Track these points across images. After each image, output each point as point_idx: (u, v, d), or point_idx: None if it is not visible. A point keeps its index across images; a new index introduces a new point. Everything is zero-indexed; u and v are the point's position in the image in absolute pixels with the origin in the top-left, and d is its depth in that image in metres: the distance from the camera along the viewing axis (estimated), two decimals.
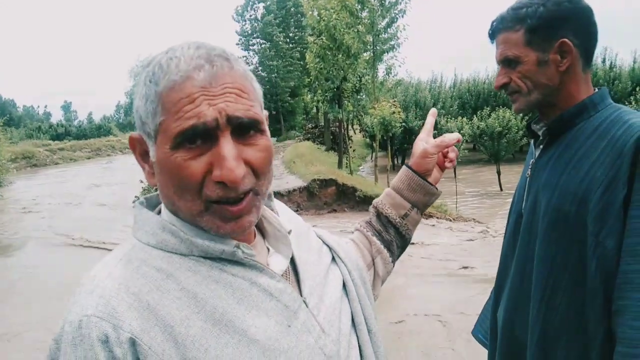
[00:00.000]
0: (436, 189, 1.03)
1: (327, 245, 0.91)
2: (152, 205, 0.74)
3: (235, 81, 0.62)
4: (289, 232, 0.77)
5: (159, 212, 0.72)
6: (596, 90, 1.23)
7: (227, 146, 0.60)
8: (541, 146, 1.29)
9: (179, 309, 0.61)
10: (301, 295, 0.74)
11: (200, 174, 0.61)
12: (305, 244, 0.85)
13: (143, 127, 0.64)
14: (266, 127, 0.68)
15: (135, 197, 9.75)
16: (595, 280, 1.09)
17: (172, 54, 0.63)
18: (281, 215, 0.84)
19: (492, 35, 1.28)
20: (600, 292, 1.09)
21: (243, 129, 0.62)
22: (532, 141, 1.37)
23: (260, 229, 0.79)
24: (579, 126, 1.19)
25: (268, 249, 0.77)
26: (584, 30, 1.18)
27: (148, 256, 0.65)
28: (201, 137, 0.60)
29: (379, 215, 1.04)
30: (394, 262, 1.03)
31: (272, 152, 0.68)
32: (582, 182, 1.12)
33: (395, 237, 1.02)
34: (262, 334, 0.64)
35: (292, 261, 0.78)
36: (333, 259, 0.89)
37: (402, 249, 1.05)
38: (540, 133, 1.29)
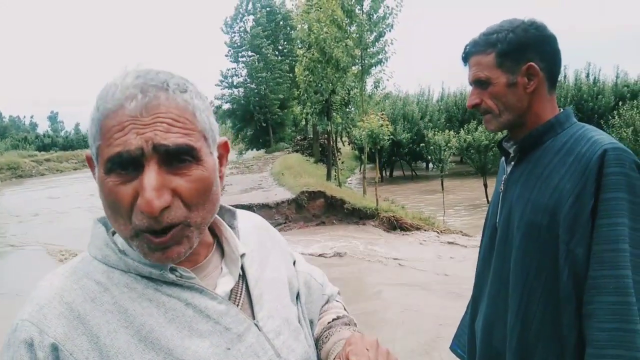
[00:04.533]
0: None
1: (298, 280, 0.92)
2: None
3: (168, 111, 0.62)
4: (242, 255, 0.78)
5: None
6: (561, 110, 1.31)
7: (149, 175, 0.60)
8: (512, 163, 1.36)
9: (109, 322, 0.64)
10: (254, 318, 0.74)
11: (128, 201, 0.62)
12: (275, 265, 0.86)
13: (91, 147, 0.67)
14: (206, 158, 0.66)
15: None
16: (567, 287, 1.15)
17: (115, 80, 0.64)
18: (244, 235, 0.84)
19: (465, 58, 1.36)
20: (573, 298, 1.15)
21: (173, 158, 0.62)
22: (502, 158, 1.44)
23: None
24: (547, 143, 1.27)
25: (222, 269, 0.77)
26: (549, 55, 1.26)
27: (92, 269, 0.69)
28: (131, 164, 0.61)
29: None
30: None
31: (208, 182, 0.66)
32: (553, 195, 1.18)
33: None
34: (192, 355, 0.65)
35: (247, 283, 0.78)
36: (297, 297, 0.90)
37: None
38: (511, 150, 1.36)
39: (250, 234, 0.86)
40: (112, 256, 0.69)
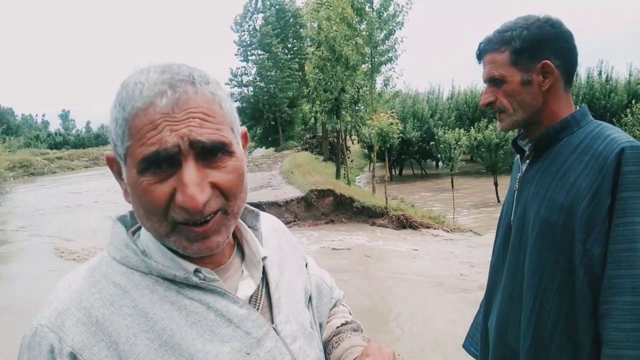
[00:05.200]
0: None
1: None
2: (136, 220, 0.74)
3: (199, 105, 0.62)
4: (264, 258, 0.77)
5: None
6: (577, 108, 1.30)
7: (189, 172, 0.61)
8: (527, 161, 1.35)
9: (128, 327, 0.63)
10: (272, 322, 0.74)
11: (165, 198, 0.61)
12: (291, 269, 0.85)
13: (115, 148, 0.65)
14: (236, 149, 0.67)
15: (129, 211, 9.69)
16: (583, 286, 1.15)
17: (138, 77, 0.62)
18: (265, 237, 0.83)
19: (480, 55, 1.35)
20: (589, 297, 1.14)
21: (208, 153, 0.63)
22: (517, 156, 1.43)
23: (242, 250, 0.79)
24: (563, 141, 1.26)
25: (243, 272, 0.77)
26: (565, 52, 1.25)
27: (110, 271, 0.67)
28: (166, 161, 0.61)
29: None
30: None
31: (242, 172, 0.67)
32: (569, 194, 1.17)
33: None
34: (212, 359, 0.65)
35: (268, 287, 0.77)
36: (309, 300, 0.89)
37: None
38: (526, 148, 1.36)
39: (269, 236, 0.86)
40: (133, 257, 0.68)
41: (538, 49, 1.23)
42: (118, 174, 0.69)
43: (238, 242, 0.80)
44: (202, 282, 0.68)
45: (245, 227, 0.80)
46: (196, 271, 0.68)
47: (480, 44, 1.34)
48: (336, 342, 0.88)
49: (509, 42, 1.26)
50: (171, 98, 0.60)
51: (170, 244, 0.65)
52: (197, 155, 0.62)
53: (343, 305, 1.04)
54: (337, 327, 0.93)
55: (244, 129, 0.74)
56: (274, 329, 0.73)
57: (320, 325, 0.93)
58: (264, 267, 0.78)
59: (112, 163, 0.69)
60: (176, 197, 0.61)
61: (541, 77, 1.25)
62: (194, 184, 0.60)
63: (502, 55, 1.27)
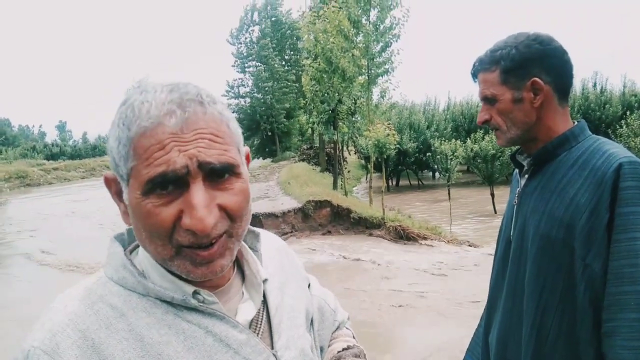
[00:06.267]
0: None
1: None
2: (134, 238, 0.72)
3: (208, 126, 0.61)
4: (265, 281, 0.75)
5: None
6: (575, 123, 1.31)
7: (198, 194, 0.59)
8: (526, 175, 1.36)
9: (124, 351, 0.61)
10: (272, 348, 0.72)
11: (170, 221, 0.60)
12: (293, 291, 0.83)
13: (117, 168, 0.63)
14: (243, 169, 0.66)
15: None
16: (584, 302, 1.14)
17: (145, 97, 0.60)
18: (266, 258, 0.81)
19: (474, 75, 1.38)
20: (589, 313, 1.14)
21: (216, 174, 0.61)
22: (516, 171, 1.44)
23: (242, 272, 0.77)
24: (561, 156, 1.26)
25: (243, 294, 0.75)
26: (556, 68, 1.26)
27: (107, 292, 0.65)
28: (173, 183, 0.59)
29: None
30: None
31: (248, 194, 0.66)
32: (568, 209, 1.18)
33: None
34: None
35: (268, 310, 0.75)
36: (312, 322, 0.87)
37: None
38: (525, 163, 1.36)
39: (271, 257, 0.84)
40: (130, 279, 0.65)
41: (527, 66, 1.25)
42: (117, 195, 0.67)
43: (238, 263, 0.78)
44: (201, 304, 0.66)
45: (246, 247, 0.78)
46: (195, 293, 0.66)
47: (474, 63, 1.37)
48: None
49: (498, 61, 1.29)
50: (180, 118, 0.59)
51: (174, 268, 0.64)
52: (205, 177, 0.60)
53: (347, 328, 1.01)
54: (338, 352, 0.90)
55: (247, 149, 0.73)
56: (274, 355, 0.71)
57: (322, 349, 0.91)
58: (264, 290, 0.76)
59: (110, 183, 0.67)
60: (183, 220, 0.59)
61: (532, 94, 1.26)
62: (203, 206, 0.59)
63: (493, 75, 1.30)
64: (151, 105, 0.59)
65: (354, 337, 0.98)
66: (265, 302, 0.76)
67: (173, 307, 0.65)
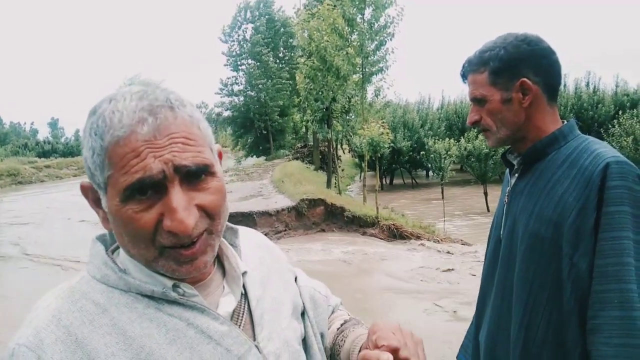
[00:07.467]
0: None
1: (302, 298, 0.91)
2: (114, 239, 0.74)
3: (180, 130, 0.62)
4: (244, 274, 0.77)
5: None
6: (565, 122, 1.32)
7: (177, 197, 0.61)
8: (516, 175, 1.37)
9: (107, 345, 0.62)
10: (255, 339, 0.73)
11: (152, 225, 0.61)
12: (275, 284, 0.85)
13: (93, 177, 0.64)
14: (217, 168, 0.68)
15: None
16: (571, 300, 1.15)
17: (114, 105, 0.62)
18: (245, 254, 0.83)
19: (464, 76, 1.39)
20: (576, 311, 1.15)
21: (192, 176, 0.63)
22: (507, 170, 1.45)
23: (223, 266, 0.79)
24: (550, 156, 1.27)
25: (224, 288, 0.76)
26: (544, 68, 1.27)
27: (90, 290, 0.67)
28: (151, 188, 0.61)
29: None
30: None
31: (224, 192, 0.68)
32: (556, 208, 1.18)
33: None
34: None
35: (250, 303, 0.77)
36: (302, 313, 0.89)
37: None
38: (515, 162, 1.37)
39: (251, 252, 0.85)
40: (112, 275, 0.67)
41: (515, 67, 1.26)
42: (94, 202, 0.69)
43: (219, 259, 0.79)
44: (181, 297, 0.68)
45: (225, 243, 0.80)
46: (175, 286, 0.68)
47: (464, 64, 1.38)
48: (342, 340, 0.89)
49: (487, 62, 1.29)
50: (152, 125, 0.61)
51: (159, 268, 0.65)
52: (182, 179, 0.62)
53: (341, 309, 1.03)
54: (338, 328, 0.93)
55: (219, 146, 0.75)
56: (256, 346, 0.72)
57: (322, 335, 0.92)
58: (244, 283, 0.77)
59: (87, 192, 0.68)
60: (164, 223, 0.61)
61: (520, 95, 1.27)
62: (183, 208, 0.61)
63: (482, 76, 1.31)
64: (122, 114, 0.61)
65: (348, 315, 1.01)
66: (246, 294, 0.77)
67: (154, 302, 0.67)
